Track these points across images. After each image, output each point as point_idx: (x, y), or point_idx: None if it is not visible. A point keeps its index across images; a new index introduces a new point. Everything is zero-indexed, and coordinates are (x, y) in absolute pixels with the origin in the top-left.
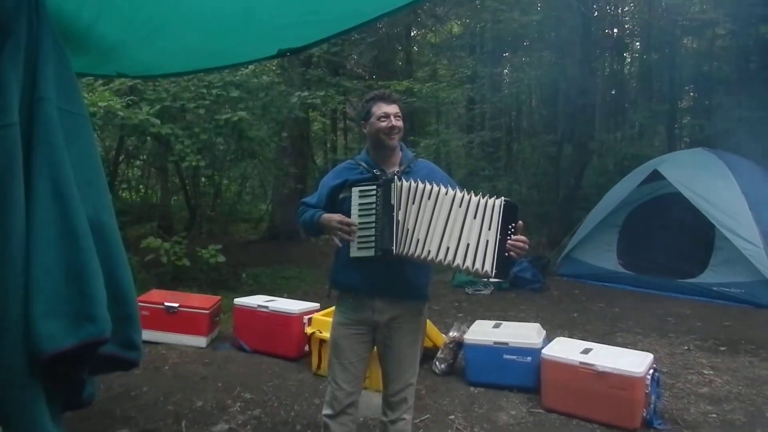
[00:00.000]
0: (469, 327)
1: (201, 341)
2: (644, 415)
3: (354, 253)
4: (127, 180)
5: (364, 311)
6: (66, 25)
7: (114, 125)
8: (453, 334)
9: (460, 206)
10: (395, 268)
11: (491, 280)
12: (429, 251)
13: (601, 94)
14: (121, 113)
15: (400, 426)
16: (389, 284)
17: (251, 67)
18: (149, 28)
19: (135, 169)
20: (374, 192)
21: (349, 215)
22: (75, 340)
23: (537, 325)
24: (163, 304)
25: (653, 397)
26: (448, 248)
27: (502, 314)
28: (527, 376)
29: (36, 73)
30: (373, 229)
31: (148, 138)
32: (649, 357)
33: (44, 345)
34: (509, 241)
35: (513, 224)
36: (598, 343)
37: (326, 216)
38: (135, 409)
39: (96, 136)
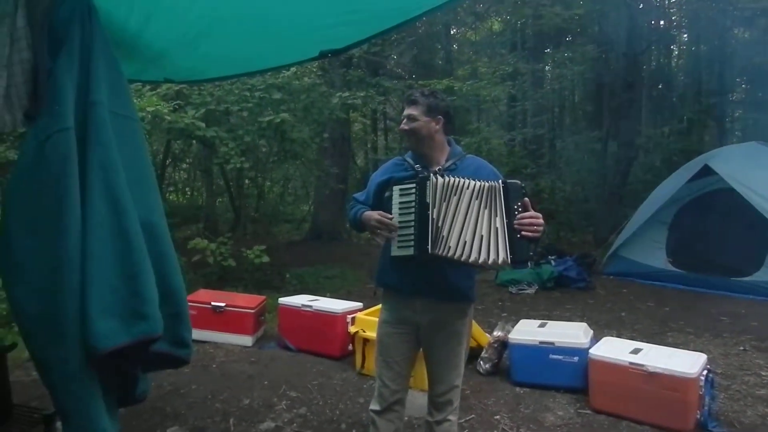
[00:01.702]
0: (513, 326)
1: (247, 340)
2: (698, 417)
3: (394, 252)
4: (174, 182)
5: (406, 311)
6: (115, 32)
7: (161, 129)
8: (497, 333)
9: (477, 198)
10: (435, 269)
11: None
12: (449, 248)
13: (647, 89)
14: (168, 117)
15: (445, 427)
16: (430, 285)
17: (293, 69)
18: (193, 34)
19: (181, 171)
20: (414, 190)
21: (392, 213)
22: (129, 338)
23: (584, 325)
24: (210, 304)
25: (707, 399)
26: (465, 243)
27: (546, 314)
28: (574, 376)
29: (89, 79)
30: (413, 228)
31: (194, 141)
32: (702, 357)
33: (100, 342)
34: (515, 222)
35: (518, 203)
36: (648, 343)
37: (367, 213)
38: (184, 407)
39: (145, 138)
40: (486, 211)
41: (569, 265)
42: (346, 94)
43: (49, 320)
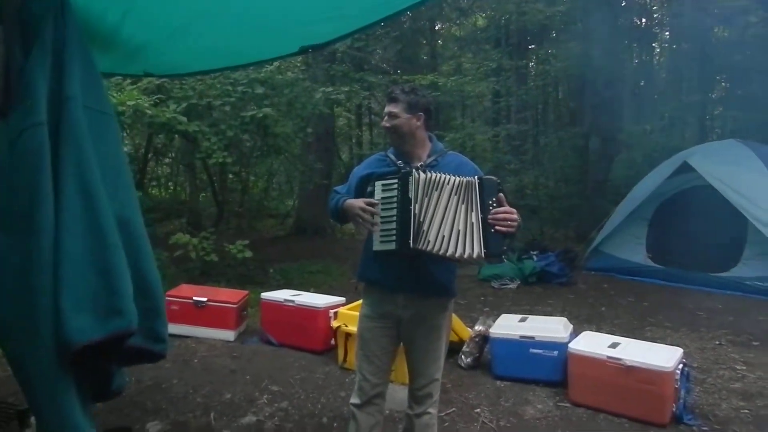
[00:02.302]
0: (494, 321)
1: (229, 335)
2: (674, 410)
3: (376, 246)
4: (157, 177)
5: (388, 305)
6: (93, 25)
7: (142, 123)
8: (478, 328)
9: (456, 193)
10: (418, 264)
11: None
12: (429, 242)
13: (629, 86)
14: (149, 111)
15: (425, 420)
16: (412, 279)
17: (276, 63)
18: (173, 28)
19: (164, 166)
20: (395, 185)
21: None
22: (103, 333)
23: (564, 320)
24: (191, 299)
25: (683, 392)
26: (443, 237)
27: (528, 308)
28: (554, 370)
29: (62, 74)
30: (394, 223)
31: (176, 135)
32: (678, 351)
33: (74, 337)
34: (490, 217)
35: (493, 199)
36: (627, 337)
37: (350, 202)
38: (165, 401)
39: (123, 133)
40: (463, 206)
41: (551, 261)
42: (330, 89)
43: (21, 317)
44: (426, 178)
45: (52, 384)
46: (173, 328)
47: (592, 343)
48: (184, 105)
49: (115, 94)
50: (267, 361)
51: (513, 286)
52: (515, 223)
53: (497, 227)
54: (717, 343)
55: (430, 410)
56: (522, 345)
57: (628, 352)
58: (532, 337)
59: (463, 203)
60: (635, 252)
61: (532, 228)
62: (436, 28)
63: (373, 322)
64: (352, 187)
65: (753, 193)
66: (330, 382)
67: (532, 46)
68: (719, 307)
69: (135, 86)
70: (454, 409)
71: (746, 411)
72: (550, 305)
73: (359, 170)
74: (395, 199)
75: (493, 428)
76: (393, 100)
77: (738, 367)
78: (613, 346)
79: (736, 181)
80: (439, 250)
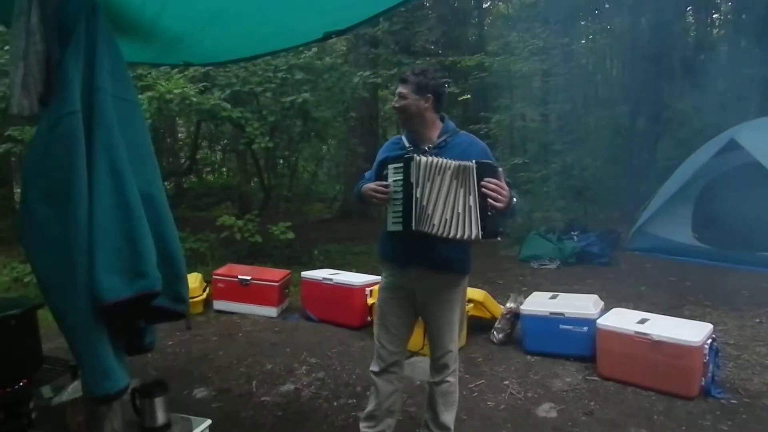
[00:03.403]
0: (526, 298)
1: (272, 311)
2: (702, 383)
3: (389, 227)
4: (211, 163)
5: (402, 279)
6: (133, 19)
7: (190, 110)
8: (510, 305)
9: (456, 177)
10: (429, 242)
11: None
12: (433, 225)
13: (683, 61)
14: (194, 98)
15: (444, 387)
16: (421, 256)
17: (314, 49)
18: (206, 19)
19: (218, 153)
20: (402, 169)
21: None
22: (131, 292)
23: (594, 297)
24: (237, 277)
25: (711, 367)
26: (446, 220)
27: (566, 288)
28: (584, 345)
29: (94, 67)
30: (402, 205)
31: (227, 123)
32: (708, 327)
33: (106, 295)
34: (482, 192)
35: (486, 179)
36: (665, 315)
37: (366, 185)
38: (211, 371)
39: (177, 120)
40: (462, 190)
41: (592, 241)
42: (368, 73)
43: (62, 276)
44: (427, 162)
45: (89, 333)
46: (220, 305)
47: (621, 319)
48: (228, 92)
49: (163, 83)
50: (306, 336)
51: (552, 266)
52: (505, 198)
53: (489, 201)
54: (757, 321)
55: (449, 378)
56: (552, 321)
57: (656, 328)
58: (562, 314)
59: (461, 187)
60: (680, 232)
61: (576, 209)
62: (484, 6)
63: (389, 293)
64: (374, 171)
65: None
66: (365, 356)
67: (583, 22)
68: (764, 285)
69: (182, 75)
70: (483, 381)
71: None
72: (588, 285)
73: (379, 155)
74: (401, 182)
75: (520, 399)
76: (403, 81)
77: None
78: (642, 322)
79: None
80: (443, 232)
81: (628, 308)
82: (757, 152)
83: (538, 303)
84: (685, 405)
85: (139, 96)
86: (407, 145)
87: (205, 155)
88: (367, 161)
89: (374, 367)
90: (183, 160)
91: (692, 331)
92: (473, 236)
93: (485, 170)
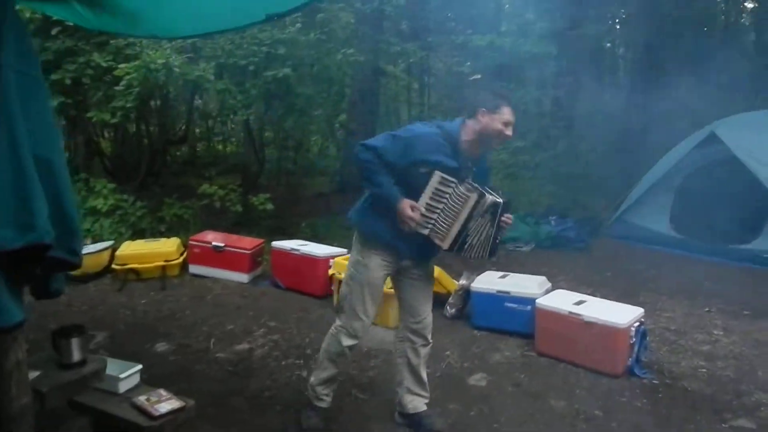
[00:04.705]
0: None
1: (243, 277)
2: (627, 363)
3: (420, 229)
4: (222, 132)
5: (397, 263)
6: None
7: (174, 79)
8: (462, 282)
9: (487, 211)
10: (432, 245)
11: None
12: (462, 247)
13: (682, 50)
14: (177, 69)
15: (428, 349)
16: (423, 254)
17: (298, 24)
18: None
19: (230, 123)
20: (453, 186)
21: (422, 188)
22: (22, 243)
23: (542, 278)
24: (211, 243)
25: (637, 348)
26: (471, 245)
27: (534, 270)
28: (526, 323)
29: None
30: (436, 215)
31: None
32: (638, 311)
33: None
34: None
35: (507, 215)
36: (619, 301)
37: (403, 203)
38: (176, 328)
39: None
40: (489, 221)
41: (569, 226)
42: (350, 50)
43: None
44: (490, 202)
45: None
46: (195, 269)
47: (559, 300)
48: (213, 64)
49: (150, 52)
50: (271, 302)
51: (527, 249)
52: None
53: (501, 233)
54: (706, 310)
55: (431, 340)
56: (498, 299)
57: (590, 310)
58: (508, 292)
59: (490, 218)
60: (659, 221)
61: (564, 196)
62: None
63: (384, 272)
64: (398, 154)
65: None
66: (321, 322)
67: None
68: (729, 278)
69: (170, 45)
70: None
71: (704, 370)
72: (556, 267)
73: (419, 148)
74: (447, 196)
75: (456, 368)
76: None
77: (715, 332)
78: (578, 303)
79: (761, 151)
80: (465, 254)
81: (586, 292)
82: (735, 146)
83: (487, 281)
84: (609, 382)
85: (125, 65)
86: (457, 155)
87: (216, 125)
88: (366, 138)
89: (350, 342)
90: (178, 129)
91: (621, 314)
92: (483, 257)
93: (508, 207)
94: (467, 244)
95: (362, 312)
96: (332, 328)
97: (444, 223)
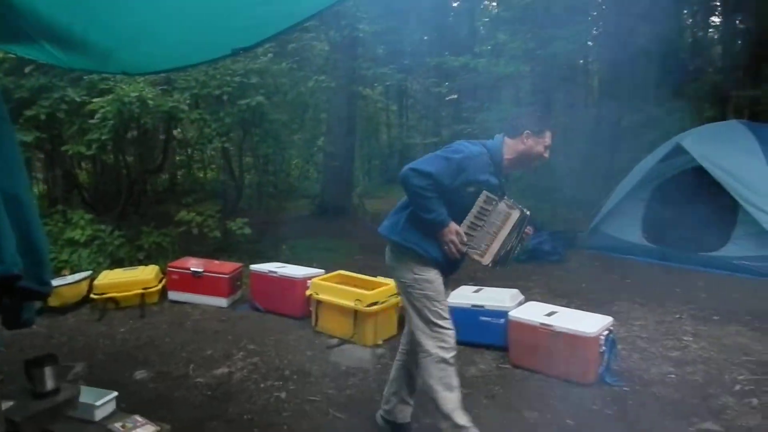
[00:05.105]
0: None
1: (222, 302)
2: (598, 372)
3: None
4: (202, 160)
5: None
6: (64, 33)
7: (149, 112)
8: None
9: (519, 223)
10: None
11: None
12: (497, 259)
13: (648, 66)
14: (151, 102)
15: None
16: (454, 265)
17: (270, 54)
18: (129, 37)
19: (208, 150)
20: (494, 203)
21: (468, 207)
22: None
23: (515, 291)
24: (189, 269)
25: (607, 356)
26: (500, 257)
27: (512, 283)
28: (500, 336)
29: None
30: (477, 232)
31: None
32: (607, 320)
33: None
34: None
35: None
36: (593, 311)
37: (449, 228)
38: (155, 355)
39: (109, 121)
40: (515, 233)
41: (544, 239)
42: (322, 77)
43: None
44: (509, 215)
45: None
46: (174, 295)
47: (531, 312)
48: (187, 95)
49: (124, 86)
50: (250, 325)
51: None
52: None
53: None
54: (677, 316)
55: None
56: (473, 313)
57: (560, 320)
58: (482, 306)
59: (516, 230)
60: (631, 232)
61: (544, 209)
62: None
63: (441, 279)
64: (452, 176)
65: (742, 173)
66: (300, 343)
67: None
68: (700, 284)
69: (144, 79)
70: None
71: (673, 376)
72: (533, 281)
73: (469, 167)
74: (487, 212)
75: None
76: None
77: (685, 338)
78: (550, 314)
79: (726, 161)
80: (493, 265)
81: (561, 304)
82: (700, 156)
83: (461, 296)
84: (581, 391)
85: (99, 99)
86: (498, 174)
87: (196, 153)
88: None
89: (451, 354)
90: (157, 160)
91: (590, 324)
92: (495, 266)
93: (529, 221)
94: (507, 258)
95: (446, 321)
96: (424, 360)
97: (483, 239)
